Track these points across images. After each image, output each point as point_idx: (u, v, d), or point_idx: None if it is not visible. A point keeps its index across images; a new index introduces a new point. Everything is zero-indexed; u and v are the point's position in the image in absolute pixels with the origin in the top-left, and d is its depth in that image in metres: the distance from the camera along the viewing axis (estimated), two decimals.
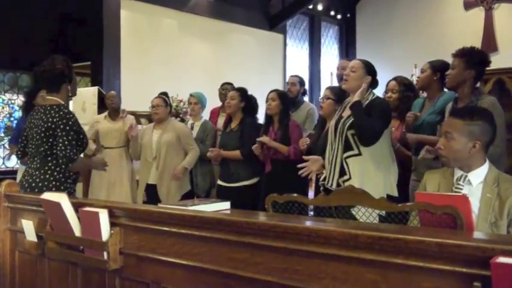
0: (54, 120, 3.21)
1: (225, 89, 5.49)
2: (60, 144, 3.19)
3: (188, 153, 4.90)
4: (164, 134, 4.89)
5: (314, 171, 3.59)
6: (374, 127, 3.22)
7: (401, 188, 3.53)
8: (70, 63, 3.47)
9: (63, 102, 3.35)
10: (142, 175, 5.05)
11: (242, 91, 4.68)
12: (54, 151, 3.24)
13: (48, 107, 3.29)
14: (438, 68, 3.71)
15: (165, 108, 4.97)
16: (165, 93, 5.14)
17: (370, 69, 3.40)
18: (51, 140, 3.23)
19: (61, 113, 3.24)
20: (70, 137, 3.21)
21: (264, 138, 4.33)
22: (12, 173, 6.90)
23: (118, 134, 5.39)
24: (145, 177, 4.99)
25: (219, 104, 5.69)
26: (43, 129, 3.23)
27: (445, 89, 3.76)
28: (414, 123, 3.76)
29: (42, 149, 3.25)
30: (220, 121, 5.28)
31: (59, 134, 3.20)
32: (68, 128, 3.22)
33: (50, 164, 3.26)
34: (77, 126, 3.31)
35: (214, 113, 5.74)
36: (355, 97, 3.29)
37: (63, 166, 3.23)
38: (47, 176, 3.24)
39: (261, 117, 5.00)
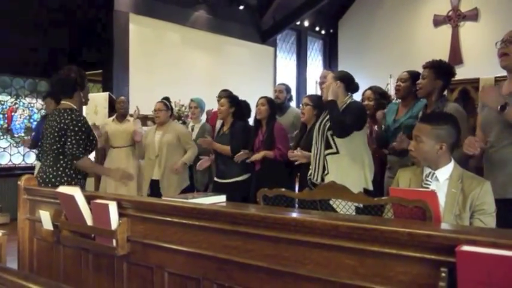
0: (66, 121, 3.20)
1: (221, 96, 5.48)
2: (69, 143, 3.19)
3: (188, 151, 4.88)
4: (165, 134, 4.88)
5: (301, 160, 3.76)
6: (344, 121, 3.24)
7: (378, 183, 3.55)
8: (83, 73, 3.46)
9: (75, 107, 3.34)
10: (147, 171, 5.04)
11: (231, 98, 4.62)
12: (66, 149, 3.23)
13: (62, 110, 3.28)
14: (417, 78, 3.70)
15: (166, 112, 4.94)
16: (166, 98, 5.11)
17: (339, 77, 3.42)
18: (63, 139, 3.21)
19: (73, 115, 3.23)
20: (78, 137, 3.20)
21: (255, 157, 4.31)
22: (31, 168, 6.87)
23: (125, 135, 5.37)
24: (149, 174, 4.98)
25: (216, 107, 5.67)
26: (56, 129, 3.21)
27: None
28: (393, 126, 3.75)
29: (54, 147, 3.24)
30: (219, 123, 5.26)
31: (69, 134, 3.19)
32: (77, 129, 3.20)
33: (62, 162, 3.24)
34: (87, 128, 3.29)
35: (214, 115, 5.72)
36: (329, 96, 3.33)
37: (69, 162, 3.23)
38: (59, 172, 3.22)
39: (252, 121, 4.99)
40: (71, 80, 3.35)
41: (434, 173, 2.35)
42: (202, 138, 4.60)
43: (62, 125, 3.21)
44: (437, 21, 10.30)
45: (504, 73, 2.81)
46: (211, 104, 5.84)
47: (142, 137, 5.15)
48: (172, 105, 5.40)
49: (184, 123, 5.95)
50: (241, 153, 4.35)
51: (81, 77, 3.41)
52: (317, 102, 3.99)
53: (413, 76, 3.66)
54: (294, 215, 1.96)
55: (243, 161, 4.43)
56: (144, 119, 6.16)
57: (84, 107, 6.42)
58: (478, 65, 8.60)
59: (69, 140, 3.19)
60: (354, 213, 2.89)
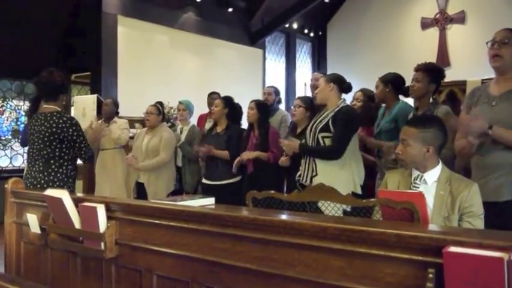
0: (59, 125, 3.20)
1: (213, 98, 5.51)
2: (84, 148, 3.31)
3: (159, 155, 4.79)
4: (152, 139, 4.87)
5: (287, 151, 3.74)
6: (328, 150, 3.31)
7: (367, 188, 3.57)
8: (66, 75, 3.50)
9: (60, 109, 3.35)
10: (133, 174, 5.02)
11: (226, 99, 4.64)
12: (58, 153, 3.23)
13: (48, 114, 3.27)
14: (388, 81, 3.76)
15: (157, 116, 4.92)
16: (160, 103, 5.10)
17: (332, 79, 3.46)
18: (54, 143, 3.21)
19: (64, 118, 3.23)
20: (84, 139, 3.31)
21: (247, 155, 4.30)
22: (18, 171, 6.81)
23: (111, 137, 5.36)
24: (135, 176, 4.96)
25: (206, 110, 5.68)
26: (46, 134, 3.20)
27: (401, 98, 3.81)
28: (375, 130, 3.80)
29: (44, 152, 3.22)
30: (208, 126, 5.26)
31: (76, 139, 3.26)
32: (79, 133, 3.28)
33: (53, 167, 3.24)
34: (81, 127, 3.35)
35: (202, 118, 5.73)
36: (296, 148, 3.44)
37: (60, 166, 3.27)
38: (51, 177, 3.22)
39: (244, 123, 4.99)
40: (57, 83, 3.36)
41: (422, 176, 2.36)
42: (203, 148, 4.49)
43: (53, 129, 3.20)
44: (425, 24, 10.38)
45: (490, 75, 2.82)
46: (200, 106, 5.83)
47: (134, 139, 5.15)
48: (165, 109, 5.38)
49: (173, 125, 5.94)
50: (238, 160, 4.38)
51: (66, 79, 3.44)
52: (309, 104, 4.01)
53: (385, 80, 3.77)
54: (283, 217, 1.96)
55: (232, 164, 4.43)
56: (132, 122, 6.14)
57: (72, 109, 6.40)
58: (465, 67, 8.68)
59: (80, 146, 3.30)
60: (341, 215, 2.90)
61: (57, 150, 3.23)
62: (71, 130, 3.22)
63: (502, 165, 2.54)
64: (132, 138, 5.66)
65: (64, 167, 3.27)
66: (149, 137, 4.89)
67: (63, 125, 3.21)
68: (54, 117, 3.23)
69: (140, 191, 4.86)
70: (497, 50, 2.58)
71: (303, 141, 3.56)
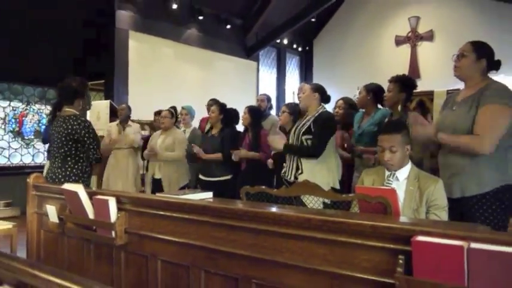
0: (75, 127, 3.18)
1: (210, 104, 5.50)
2: (92, 149, 3.22)
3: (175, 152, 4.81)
4: (166, 139, 4.85)
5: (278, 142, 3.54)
6: (309, 149, 3.27)
7: (346, 182, 3.58)
8: (86, 83, 3.43)
9: (77, 113, 3.32)
10: (150, 171, 5.00)
11: (221, 105, 4.62)
12: (73, 152, 3.21)
13: (67, 117, 3.26)
14: (371, 89, 3.77)
15: (171, 119, 4.88)
16: (173, 107, 5.07)
17: (316, 88, 3.45)
18: (70, 143, 3.19)
19: (79, 121, 3.21)
20: (94, 141, 3.23)
21: (244, 153, 4.29)
22: (39, 167, 6.78)
23: (126, 138, 5.34)
24: (151, 173, 4.94)
25: (207, 114, 5.66)
26: (64, 134, 3.18)
27: (379, 106, 3.83)
28: (357, 132, 3.80)
29: (62, 150, 3.21)
30: (208, 128, 5.25)
31: (86, 141, 3.20)
32: (91, 135, 3.23)
33: (69, 163, 3.22)
34: (94, 131, 3.30)
35: (204, 121, 5.71)
36: (279, 146, 3.38)
37: (76, 163, 3.23)
38: (68, 173, 3.19)
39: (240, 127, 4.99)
40: (72, 88, 3.33)
41: (395, 174, 2.37)
42: (198, 151, 4.51)
43: (69, 130, 3.18)
44: (399, 41, 10.43)
45: (455, 86, 2.83)
46: (201, 111, 5.83)
47: (150, 139, 5.13)
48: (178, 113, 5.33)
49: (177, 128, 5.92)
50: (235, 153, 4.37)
51: (82, 86, 3.38)
52: (293, 109, 4.03)
53: (368, 89, 3.80)
54: (273, 209, 1.96)
55: (228, 162, 4.41)
56: (141, 124, 6.12)
57: (88, 113, 6.39)
58: (433, 79, 8.73)
59: (90, 147, 3.22)
60: (322, 207, 2.91)
61: (73, 149, 3.21)
62: (83, 132, 3.19)
63: (453, 166, 2.53)
64: (142, 139, 5.65)
65: (79, 164, 3.25)
66: (163, 137, 4.88)
67: (77, 127, 3.18)
68: (71, 120, 3.21)
69: (155, 186, 4.83)
70: (457, 62, 2.60)
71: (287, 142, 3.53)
